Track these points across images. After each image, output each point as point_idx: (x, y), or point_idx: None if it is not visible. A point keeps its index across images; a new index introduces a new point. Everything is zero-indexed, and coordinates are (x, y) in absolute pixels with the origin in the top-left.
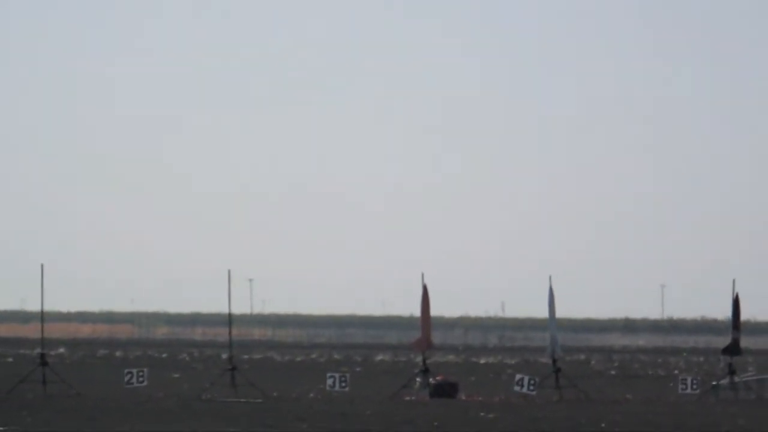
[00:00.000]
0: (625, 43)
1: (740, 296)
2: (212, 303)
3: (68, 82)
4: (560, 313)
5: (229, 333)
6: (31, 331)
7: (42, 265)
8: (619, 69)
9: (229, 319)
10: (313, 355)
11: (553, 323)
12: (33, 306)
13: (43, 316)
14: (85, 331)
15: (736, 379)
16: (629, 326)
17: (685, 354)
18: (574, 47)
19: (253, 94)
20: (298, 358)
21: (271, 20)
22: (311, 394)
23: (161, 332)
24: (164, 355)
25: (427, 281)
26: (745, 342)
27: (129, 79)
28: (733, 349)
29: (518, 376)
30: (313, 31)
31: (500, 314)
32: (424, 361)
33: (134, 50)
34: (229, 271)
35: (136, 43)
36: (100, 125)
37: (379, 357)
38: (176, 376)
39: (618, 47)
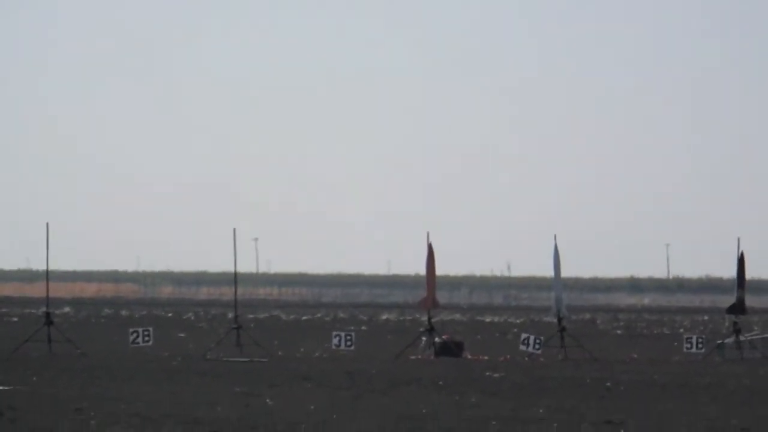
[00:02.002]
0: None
1: (745, 255)
2: (217, 262)
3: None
4: (565, 272)
5: (235, 292)
6: (36, 290)
7: (47, 224)
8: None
9: (235, 279)
10: (319, 314)
11: (558, 282)
12: (38, 265)
13: (48, 275)
14: (91, 290)
15: (742, 338)
16: (634, 285)
17: (690, 313)
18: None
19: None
20: (304, 318)
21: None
22: (317, 353)
23: (166, 292)
24: (169, 315)
25: (432, 240)
26: (750, 301)
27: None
28: (738, 308)
29: (524, 336)
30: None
31: (506, 273)
32: (429, 320)
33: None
34: (234, 230)
35: None
36: (107, 83)
37: (385, 316)
38: (182, 335)
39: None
